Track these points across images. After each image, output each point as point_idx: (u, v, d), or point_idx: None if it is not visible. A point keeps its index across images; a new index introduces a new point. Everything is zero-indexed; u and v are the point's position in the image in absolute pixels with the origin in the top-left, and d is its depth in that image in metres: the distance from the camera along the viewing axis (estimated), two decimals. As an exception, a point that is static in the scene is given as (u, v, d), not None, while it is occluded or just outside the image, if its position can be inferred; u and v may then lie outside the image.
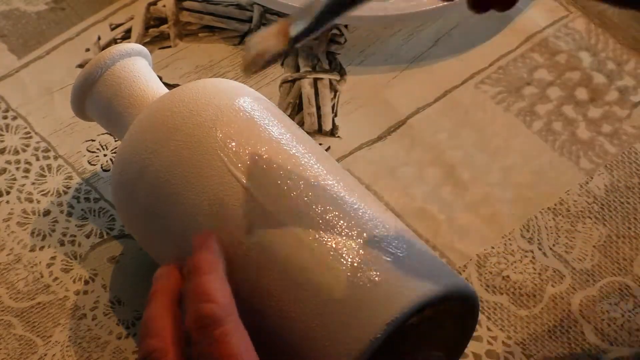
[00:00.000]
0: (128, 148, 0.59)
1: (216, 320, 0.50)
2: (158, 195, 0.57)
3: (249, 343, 0.50)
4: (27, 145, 0.70)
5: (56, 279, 0.65)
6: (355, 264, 0.52)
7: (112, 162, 0.69)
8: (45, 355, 0.62)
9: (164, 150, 0.57)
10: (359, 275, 0.51)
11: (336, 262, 0.52)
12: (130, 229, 0.61)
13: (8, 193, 0.68)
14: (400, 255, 0.53)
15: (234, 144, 0.56)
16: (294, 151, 0.56)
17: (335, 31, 0.75)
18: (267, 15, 0.76)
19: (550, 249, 0.65)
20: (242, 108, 0.58)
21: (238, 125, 0.57)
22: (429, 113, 0.71)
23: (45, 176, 0.69)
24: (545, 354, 0.61)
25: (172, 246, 0.57)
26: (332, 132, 0.71)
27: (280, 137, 0.57)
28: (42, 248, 0.66)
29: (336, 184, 0.56)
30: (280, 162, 0.55)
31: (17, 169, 0.69)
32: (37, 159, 0.69)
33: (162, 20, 0.76)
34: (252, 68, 0.52)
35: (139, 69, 0.63)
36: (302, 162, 0.56)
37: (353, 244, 0.52)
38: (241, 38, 0.75)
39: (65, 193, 0.68)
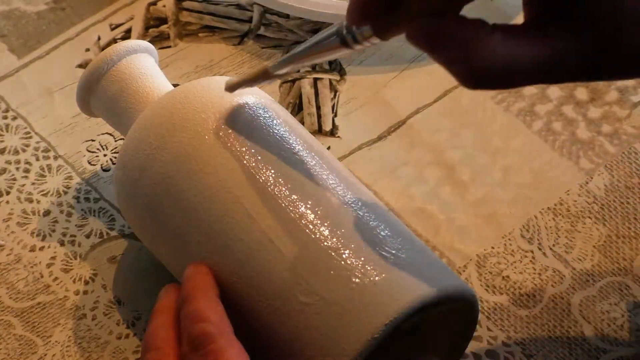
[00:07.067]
0: (131, 144, 0.59)
1: (208, 337, 0.50)
2: (159, 191, 0.57)
3: (244, 357, 0.50)
4: (27, 145, 0.70)
5: (56, 279, 0.65)
6: (356, 264, 0.52)
7: (113, 162, 0.69)
8: (45, 355, 0.62)
9: (166, 146, 0.57)
10: (359, 275, 0.51)
11: (336, 261, 0.52)
12: (131, 225, 0.61)
13: (8, 193, 0.68)
14: (401, 255, 0.53)
15: (237, 142, 0.56)
16: (296, 150, 0.57)
17: (335, 31, 0.75)
18: (267, 15, 0.76)
19: (550, 249, 0.65)
20: (246, 106, 0.58)
21: (241, 123, 0.57)
22: (429, 113, 0.71)
23: (45, 176, 0.69)
24: (545, 354, 0.62)
25: (172, 243, 0.57)
26: (332, 132, 0.71)
27: (283, 136, 0.57)
28: (42, 248, 0.66)
29: (338, 185, 0.56)
30: (282, 161, 0.55)
31: (17, 169, 0.69)
32: (37, 159, 0.69)
33: (162, 20, 0.76)
34: (231, 89, 0.57)
35: (145, 66, 0.63)
36: (305, 162, 0.56)
37: (353, 244, 0.52)
38: (241, 38, 0.75)
39: (65, 193, 0.68)
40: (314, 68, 0.73)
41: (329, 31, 0.49)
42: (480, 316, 0.62)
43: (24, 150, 0.70)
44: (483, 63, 0.43)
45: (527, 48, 0.43)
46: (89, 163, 0.69)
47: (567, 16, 0.43)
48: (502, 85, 0.44)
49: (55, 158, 0.69)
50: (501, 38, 0.43)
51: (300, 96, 0.72)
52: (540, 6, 0.44)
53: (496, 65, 0.43)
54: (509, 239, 0.66)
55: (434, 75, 0.73)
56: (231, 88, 0.57)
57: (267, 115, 0.58)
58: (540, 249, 0.65)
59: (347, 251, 0.52)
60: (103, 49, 0.73)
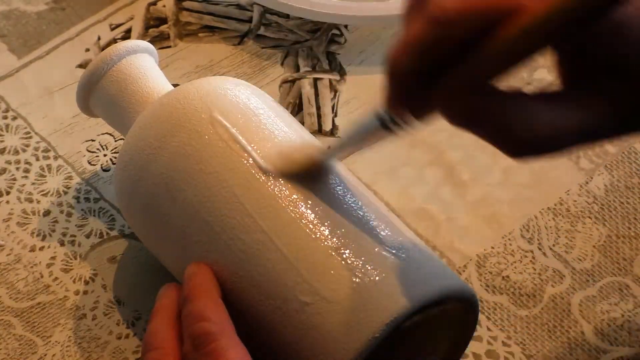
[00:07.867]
0: (131, 144, 0.59)
1: (210, 336, 0.50)
2: (159, 191, 0.57)
3: (246, 356, 0.50)
4: (27, 145, 0.70)
5: (56, 279, 0.65)
6: (356, 263, 0.52)
7: (113, 162, 0.69)
8: (45, 355, 0.62)
9: (167, 146, 0.57)
10: (359, 274, 0.51)
11: (337, 261, 0.52)
12: (131, 225, 0.61)
13: (8, 193, 0.68)
14: (401, 255, 0.53)
15: (237, 141, 0.56)
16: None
17: (335, 31, 0.75)
18: (267, 15, 0.76)
19: (550, 249, 0.65)
20: (247, 106, 0.58)
21: (242, 123, 0.57)
22: (429, 113, 0.71)
23: (45, 176, 0.69)
24: (545, 354, 0.62)
25: (173, 243, 0.57)
26: (332, 132, 0.71)
27: (285, 136, 0.57)
28: (42, 248, 0.66)
29: (338, 184, 0.56)
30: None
31: (17, 169, 0.69)
32: (37, 159, 0.69)
33: (162, 20, 0.76)
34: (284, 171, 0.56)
35: (145, 66, 0.63)
36: None
37: (354, 244, 0.52)
38: (241, 38, 0.75)
39: (65, 193, 0.68)
40: (314, 68, 0.73)
41: (370, 118, 0.49)
42: (480, 316, 0.62)
43: (24, 150, 0.70)
44: (526, 134, 0.43)
45: (569, 114, 0.43)
46: (89, 163, 0.69)
47: (599, 78, 0.43)
48: (547, 153, 0.44)
49: (55, 158, 0.69)
50: (542, 107, 0.43)
51: (300, 96, 0.72)
52: (572, 69, 0.44)
53: (540, 134, 0.43)
54: (509, 239, 0.66)
55: (434, 75, 0.73)
56: (282, 174, 0.55)
57: (268, 115, 0.58)
58: (540, 249, 0.65)
59: (347, 251, 0.52)
60: (103, 49, 0.73)
